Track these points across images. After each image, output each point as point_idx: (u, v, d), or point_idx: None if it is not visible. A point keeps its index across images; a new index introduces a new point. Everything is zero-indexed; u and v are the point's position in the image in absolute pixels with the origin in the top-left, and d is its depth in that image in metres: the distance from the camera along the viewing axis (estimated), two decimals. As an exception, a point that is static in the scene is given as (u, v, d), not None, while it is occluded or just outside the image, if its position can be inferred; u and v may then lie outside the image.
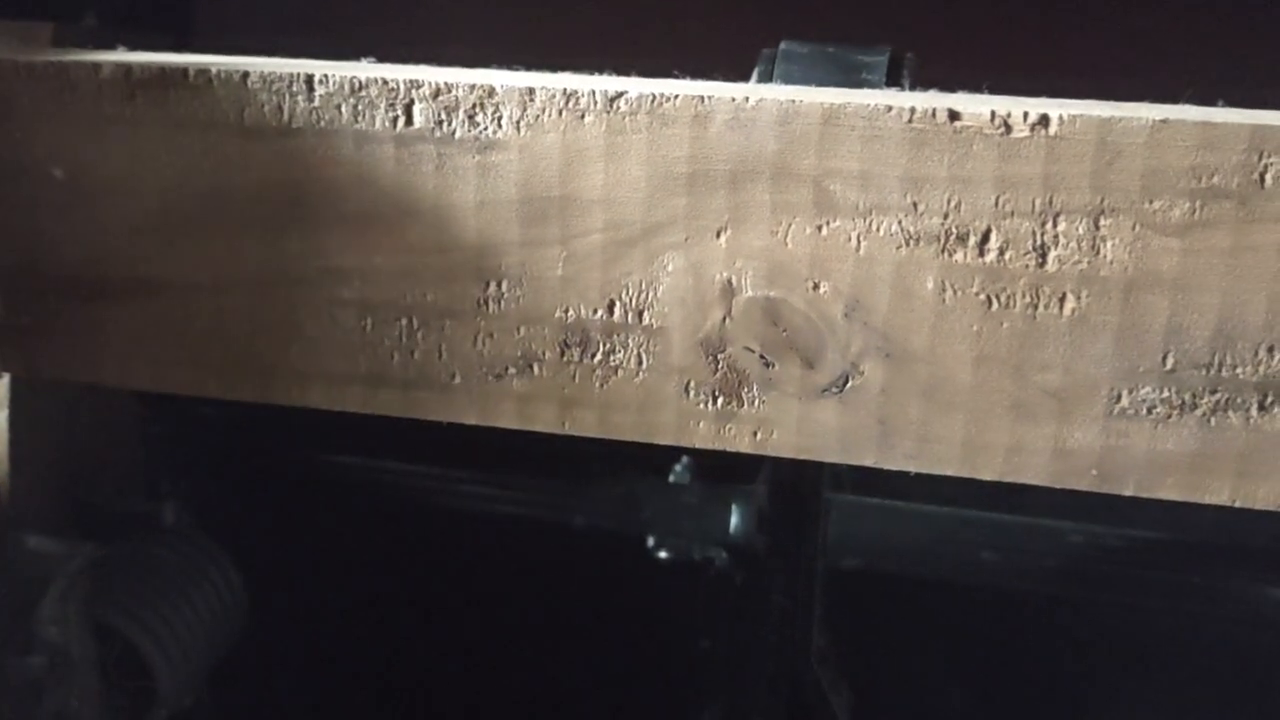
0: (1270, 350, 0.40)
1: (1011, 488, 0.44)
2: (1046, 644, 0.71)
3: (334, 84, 0.44)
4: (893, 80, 0.47)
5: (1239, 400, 0.41)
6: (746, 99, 0.41)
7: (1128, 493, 0.43)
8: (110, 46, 0.49)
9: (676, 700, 0.69)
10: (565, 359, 0.45)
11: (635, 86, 0.42)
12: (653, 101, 0.42)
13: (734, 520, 0.65)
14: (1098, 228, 0.40)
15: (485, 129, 0.43)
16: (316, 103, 0.44)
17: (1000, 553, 0.64)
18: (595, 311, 0.45)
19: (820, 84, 0.47)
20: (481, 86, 0.43)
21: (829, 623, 0.64)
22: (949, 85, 0.42)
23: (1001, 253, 0.41)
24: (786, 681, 0.63)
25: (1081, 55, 0.67)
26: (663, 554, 0.67)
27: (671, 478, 0.69)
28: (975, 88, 0.42)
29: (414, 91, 0.43)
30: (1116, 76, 0.52)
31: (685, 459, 0.69)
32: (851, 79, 0.48)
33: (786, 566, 0.62)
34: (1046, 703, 0.73)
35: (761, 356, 0.44)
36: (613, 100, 0.42)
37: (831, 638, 0.64)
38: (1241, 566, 0.64)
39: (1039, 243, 0.40)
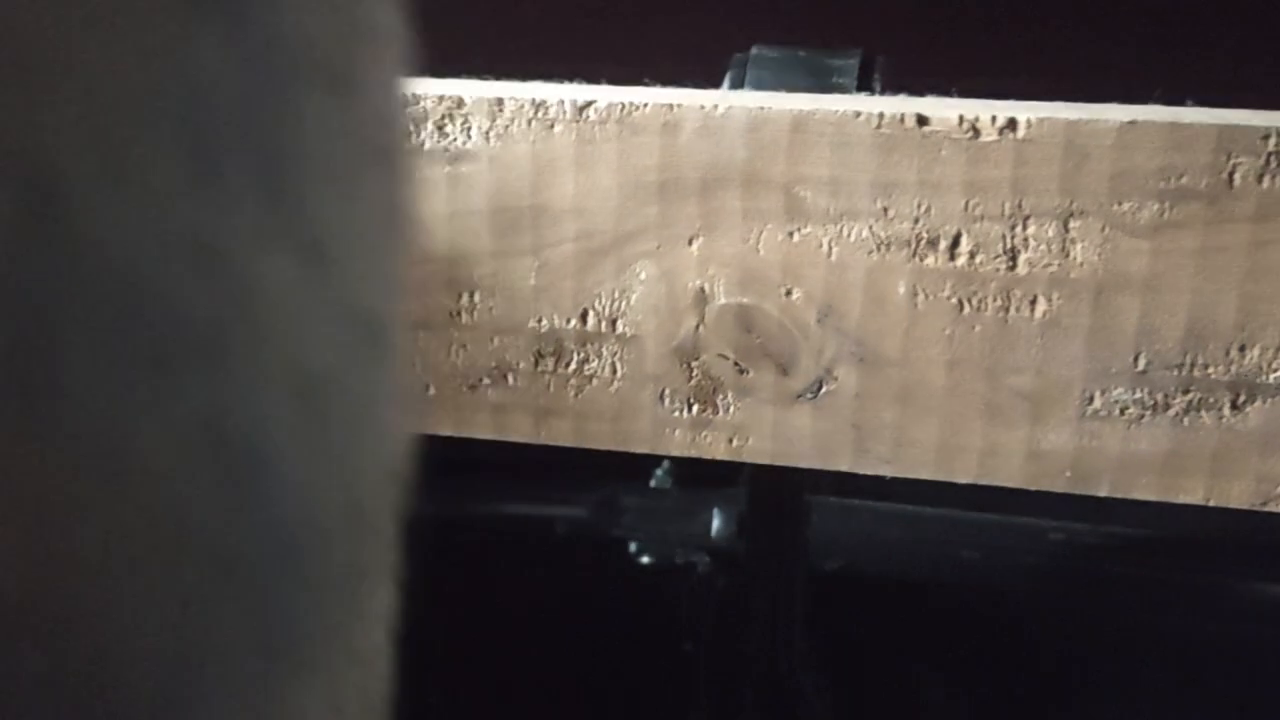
0: (1242, 349, 0.40)
1: (996, 486, 0.44)
2: (1032, 642, 0.71)
3: (302, 97, 0.44)
4: (864, 83, 0.47)
5: (1211, 400, 0.41)
6: (715, 106, 0.41)
7: (1102, 493, 0.43)
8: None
9: (660, 705, 0.69)
10: (539, 369, 0.45)
11: (604, 95, 0.42)
12: (622, 110, 0.42)
13: (715, 524, 0.65)
14: (1067, 230, 0.40)
15: (454, 139, 0.43)
16: (285, 116, 0.44)
17: (982, 552, 0.64)
18: (569, 321, 0.44)
19: (792, 88, 0.47)
20: (450, 97, 0.43)
21: (812, 624, 0.64)
22: (919, 88, 0.42)
23: (972, 256, 0.41)
24: (770, 684, 0.63)
25: (1052, 55, 0.67)
26: (645, 559, 0.67)
27: (653, 482, 0.69)
28: (945, 90, 0.42)
29: (382, 103, 0.43)
30: (1087, 76, 0.52)
31: (666, 463, 0.69)
32: (823, 83, 0.48)
33: (768, 569, 0.62)
34: (1031, 701, 0.73)
35: (735, 363, 0.44)
36: (582, 109, 0.42)
37: (815, 639, 0.64)
38: (1225, 563, 0.64)
39: (1009, 246, 0.40)
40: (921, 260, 0.41)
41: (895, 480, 0.45)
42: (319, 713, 0.17)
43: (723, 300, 0.43)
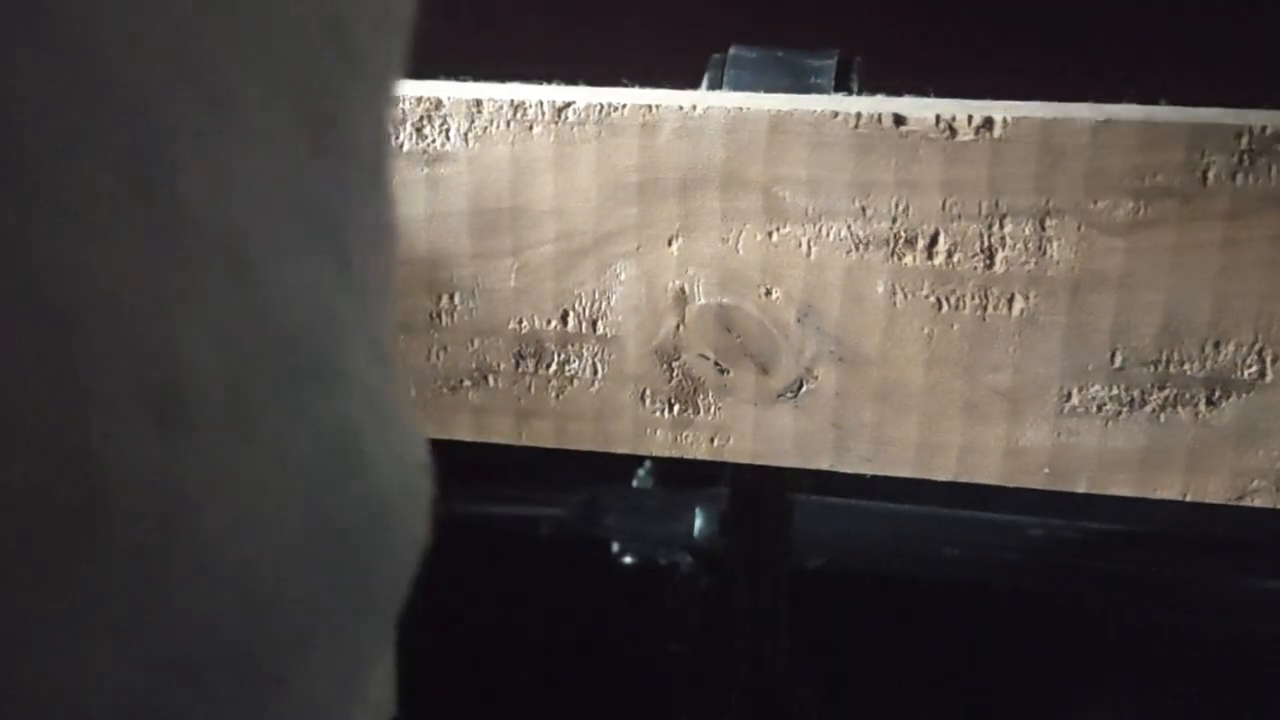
0: (1216, 346, 0.41)
1: (975, 484, 0.44)
2: (1013, 637, 0.72)
3: (280, 99, 0.44)
4: (841, 83, 0.47)
5: (1187, 396, 0.41)
6: (694, 107, 0.41)
7: (1080, 490, 0.43)
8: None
9: (645, 704, 0.69)
10: (520, 370, 0.45)
11: (583, 96, 0.42)
12: (600, 111, 0.42)
13: (698, 523, 0.66)
14: (1043, 228, 0.40)
15: (433, 141, 0.43)
16: (263, 118, 0.44)
17: (963, 548, 0.64)
18: (549, 322, 0.45)
19: (770, 89, 0.47)
20: (428, 99, 0.43)
21: (795, 622, 0.64)
22: (896, 88, 0.42)
23: (950, 255, 0.41)
24: (754, 681, 0.63)
25: (1027, 54, 0.67)
26: (628, 559, 0.67)
27: (635, 482, 0.69)
28: (922, 90, 0.42)
29: (361, 106, 0.43)
30: (1062, 75, 0.53)
31: (647, 463, 0.69)
32: (801, 83, 0.48)
33: (751, 568, 0.63)
34: (1013, 695, 0.73)
35: (716, 363, 0.44)
36: (560, 111, 0.42)
37: (798, 637, 0.64)
38: (1202, 557, 0.65)
39: (986, 244, 0.41)
40: (900, 259, 0.41)
41: (876, 478, 0.45)
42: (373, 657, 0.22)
43: (703, 300, 0.43)
